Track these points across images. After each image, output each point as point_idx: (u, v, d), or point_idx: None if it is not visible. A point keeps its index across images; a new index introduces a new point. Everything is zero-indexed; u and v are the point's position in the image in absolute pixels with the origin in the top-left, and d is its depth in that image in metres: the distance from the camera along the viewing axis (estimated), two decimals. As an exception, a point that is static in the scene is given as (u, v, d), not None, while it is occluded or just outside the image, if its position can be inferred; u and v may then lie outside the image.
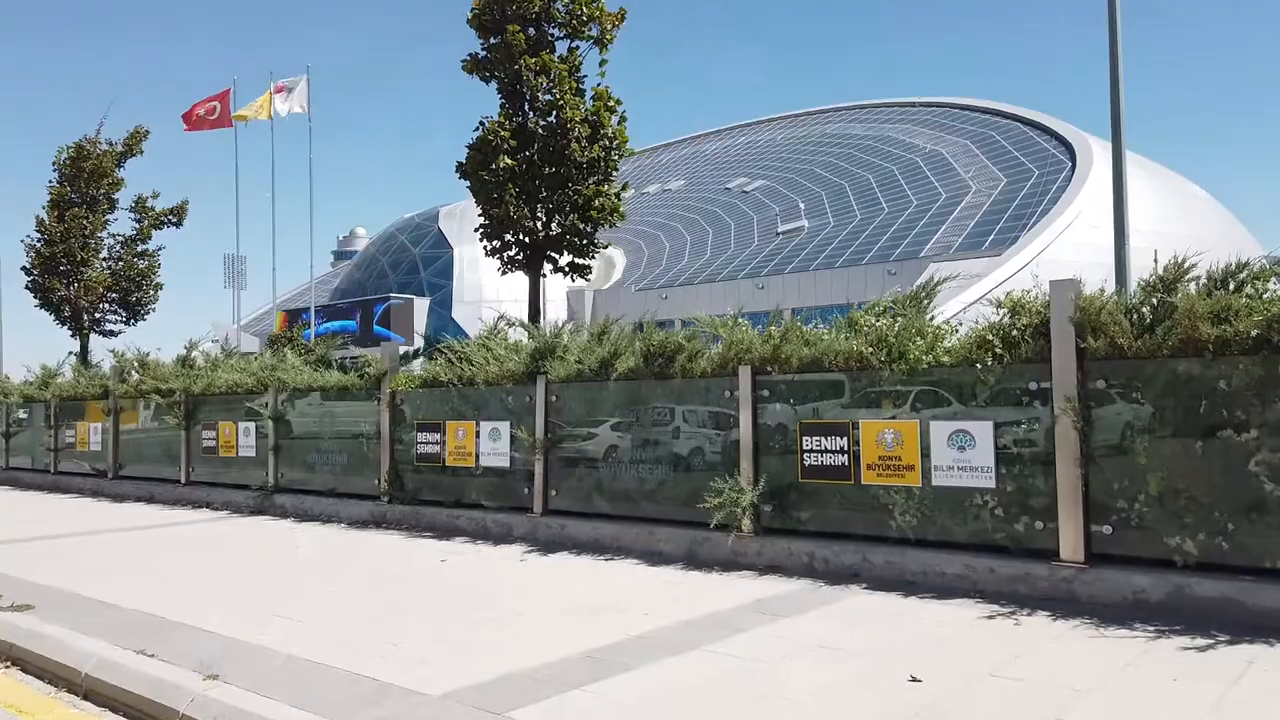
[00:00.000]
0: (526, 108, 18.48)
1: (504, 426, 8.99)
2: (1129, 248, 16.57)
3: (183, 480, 12.63)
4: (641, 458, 7.98)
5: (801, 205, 60.95)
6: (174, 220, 29.14)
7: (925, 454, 6.44)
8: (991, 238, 45.16)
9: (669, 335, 7.86)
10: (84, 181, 27.97)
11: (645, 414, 7.98)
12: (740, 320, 7.83)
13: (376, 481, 10.04)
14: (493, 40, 18.57)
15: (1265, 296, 5.46)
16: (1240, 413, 5.30)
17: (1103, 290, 6.08)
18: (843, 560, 6.68)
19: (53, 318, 27.64)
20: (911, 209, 52.83)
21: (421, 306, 57.50)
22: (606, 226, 18.75)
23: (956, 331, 6.79)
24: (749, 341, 7.38)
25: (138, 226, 29.19)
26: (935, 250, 46.25)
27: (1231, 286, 5.66)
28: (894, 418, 6.62)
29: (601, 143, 18.20)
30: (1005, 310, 6.33)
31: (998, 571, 5.99)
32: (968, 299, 31.80)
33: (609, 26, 18.78)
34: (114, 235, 29.23)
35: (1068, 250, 40.79)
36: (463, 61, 19.03)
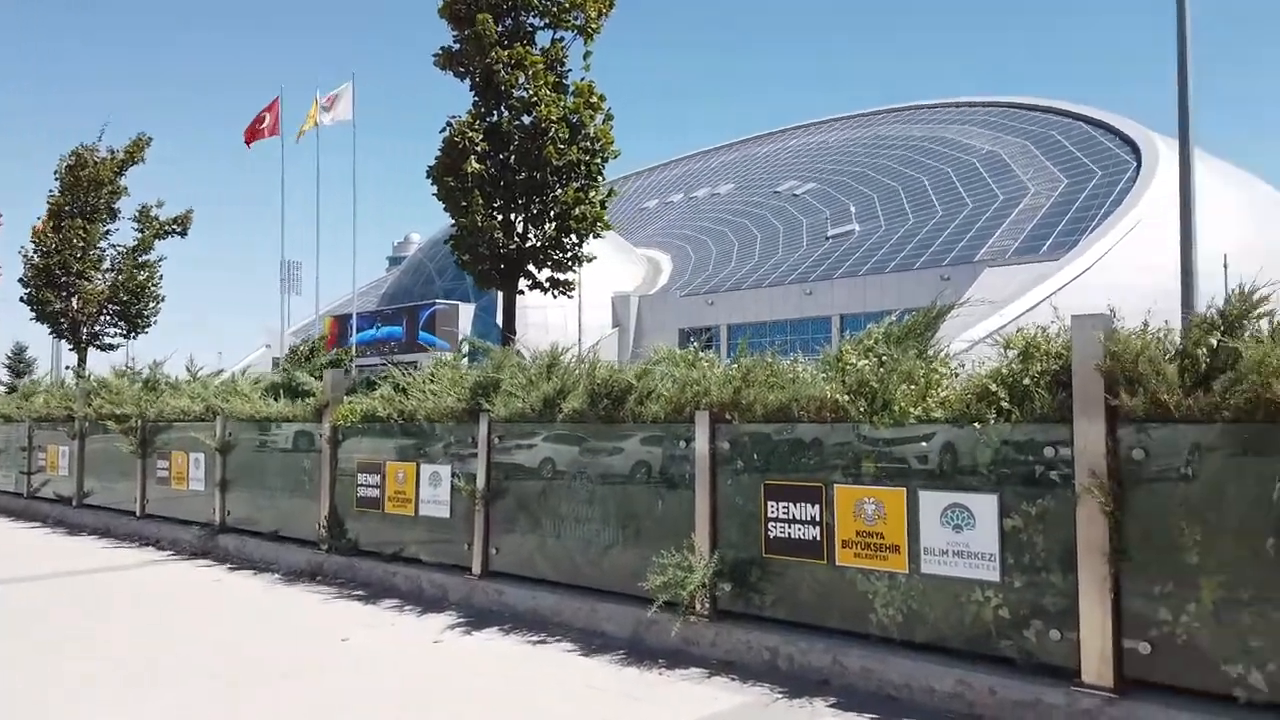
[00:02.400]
0: (500, 106, 16.50)
1: (444, 471, 7.79)
2: (1197, 252, 14.83)
3: (138, 513, 11.70)
4: (586, 516, 6.70)
5: (853, 208, 59.02)
6: (178, 230, 28.49)
7: (913, 532, 5.07)
8: (1050, 241, 42.88)
9: (615, 372, 6.57)
10: (82, 191, 27.24)
11: (592, 465, 6.71)
12: (704, 355, 6.53)
13: (316, 526, 8.94)
14: (466, 31, 16.51)
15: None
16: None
17: (1145, 327, 4.65)
18: (810, 661, 5.33)
19: (49, 331, 27.17)
20: (967, 211, 50.65)
21: (466, 312, 56.90)
22: (590, 238, 16.99)
23: (957, 375, 5.41)
24: (708, 382, 6.08)
25: (139, 236, 28.50)
26: (990, 254, 44.11)
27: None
28: (876, 484, 5.26)
29: (582, 144, 16.18)
30: (1015, 351, 4.94)
31: (1000, 694, 4.60)
32: (1017, 310, 29.81)
33: (594, 15, 16.85)
34: (115, 246, 28.66)
35: (1128, 252, 38.50)
36: (434, 56, 17.14)
